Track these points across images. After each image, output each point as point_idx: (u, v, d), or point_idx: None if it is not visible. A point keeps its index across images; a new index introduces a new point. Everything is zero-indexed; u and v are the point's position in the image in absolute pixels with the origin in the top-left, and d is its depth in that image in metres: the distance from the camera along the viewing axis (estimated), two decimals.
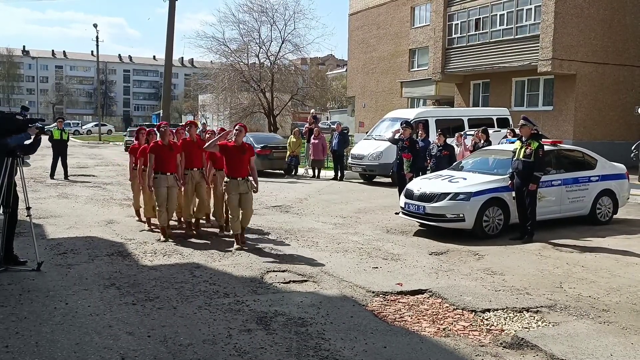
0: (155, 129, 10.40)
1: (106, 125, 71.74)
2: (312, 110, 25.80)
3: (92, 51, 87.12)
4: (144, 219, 10.55)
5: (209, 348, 4.91)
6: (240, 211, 8.75)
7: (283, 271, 7.34)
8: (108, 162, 26.96)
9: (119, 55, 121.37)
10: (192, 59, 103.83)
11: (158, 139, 9.79)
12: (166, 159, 9.33)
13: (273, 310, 5.90)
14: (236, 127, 8.89)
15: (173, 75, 38.39)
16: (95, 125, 57.77)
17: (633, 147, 18.18)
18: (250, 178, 8.73)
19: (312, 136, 20.00)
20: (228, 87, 32.93)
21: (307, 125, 21.65)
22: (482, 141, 14.20)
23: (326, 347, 4.97)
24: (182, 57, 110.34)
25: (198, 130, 11.01)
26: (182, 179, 9.67)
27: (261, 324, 5.52)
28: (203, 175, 10.02)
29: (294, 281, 7.02)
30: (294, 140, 20.33)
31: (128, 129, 45.01)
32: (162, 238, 9.22)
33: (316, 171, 20.01)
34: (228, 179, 8.64)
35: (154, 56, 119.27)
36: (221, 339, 5.12)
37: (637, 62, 23.32)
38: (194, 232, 9.89)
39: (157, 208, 9.42)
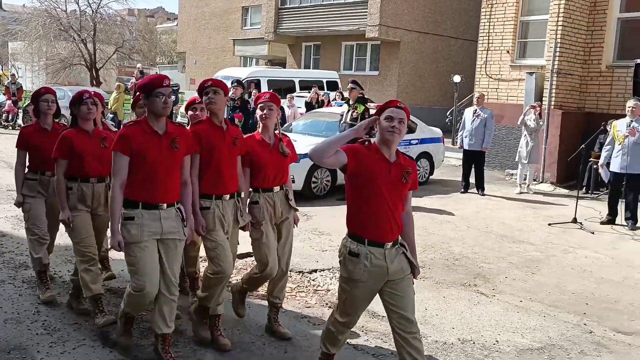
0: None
1: None
2: (139, 65, 24.32)
3: None
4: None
5: (11, 328, 4.38)
6: None
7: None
8: None
9: None
10: (0, 0, 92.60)
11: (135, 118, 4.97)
12: (160, 167, 3.83)
13: None
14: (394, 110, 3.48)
15: None
16: None
17: (448, 113, 19.69)
18: None
19: None
20: (43, 34, 30.04)
21: (133, 80, 20.36)
22: (314, 102, 14.46)
23: (147, 318, 4.68)
24: None
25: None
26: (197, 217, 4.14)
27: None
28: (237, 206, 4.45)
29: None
30: (115, 95, 17.75)
31: None
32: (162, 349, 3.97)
33: None
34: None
35: None
36: (27, 316, 4.60)
37: (452, 34, 25.08)
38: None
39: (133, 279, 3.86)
